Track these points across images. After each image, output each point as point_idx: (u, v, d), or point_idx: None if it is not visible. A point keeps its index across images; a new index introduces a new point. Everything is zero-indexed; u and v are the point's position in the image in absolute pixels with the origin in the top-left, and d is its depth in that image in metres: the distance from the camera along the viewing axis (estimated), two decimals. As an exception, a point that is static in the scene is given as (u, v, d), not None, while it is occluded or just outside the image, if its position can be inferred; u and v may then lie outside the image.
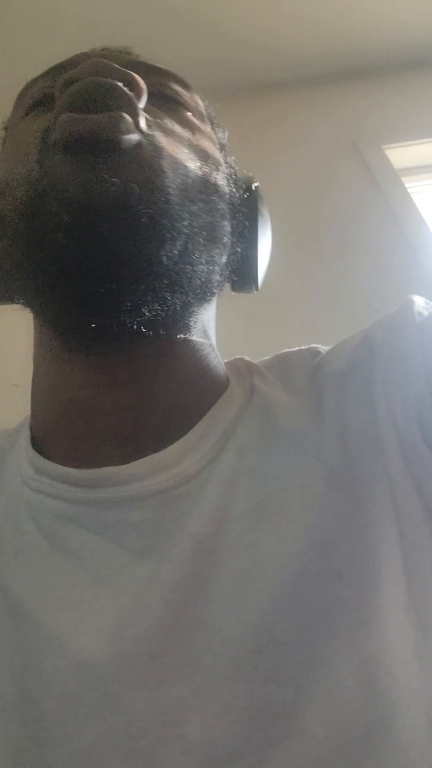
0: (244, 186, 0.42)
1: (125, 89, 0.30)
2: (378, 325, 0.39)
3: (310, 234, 1.30)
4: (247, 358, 0.44)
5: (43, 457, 0.36)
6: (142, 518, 0.32)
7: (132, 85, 0.31)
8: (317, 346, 0.43)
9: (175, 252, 0.29)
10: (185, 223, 0.30)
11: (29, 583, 0.32)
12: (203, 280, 0.33)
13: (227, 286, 0.47)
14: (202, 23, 1.32)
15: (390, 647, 0.28)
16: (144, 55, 0.39)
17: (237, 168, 0.44)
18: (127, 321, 0.31)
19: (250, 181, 0.43)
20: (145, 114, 0.31)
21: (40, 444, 0.37)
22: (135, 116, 0.30)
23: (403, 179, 1.40)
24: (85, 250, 0.28)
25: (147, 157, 0.29)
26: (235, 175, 0.42)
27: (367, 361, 0.36)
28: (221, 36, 1.36)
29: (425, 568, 0.30)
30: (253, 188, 0.43)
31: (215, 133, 0.42)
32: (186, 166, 0.32)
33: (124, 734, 0.27)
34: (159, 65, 0.39)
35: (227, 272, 0.40)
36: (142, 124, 0.30)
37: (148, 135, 0.31)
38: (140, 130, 0.30)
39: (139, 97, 0.31)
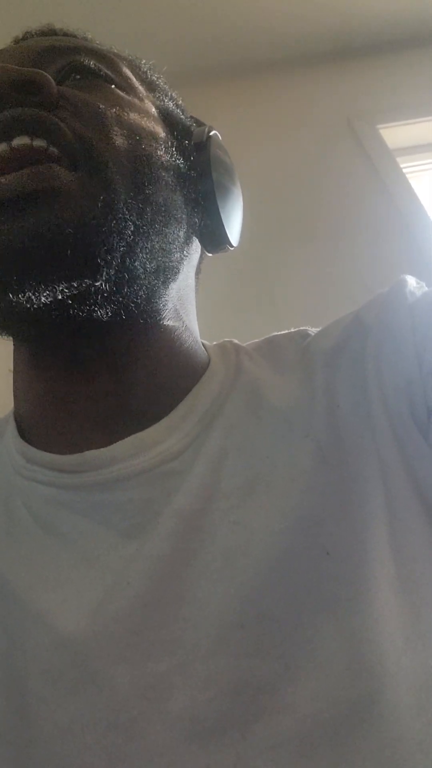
0: (192, 145, 0.39)
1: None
2: (370, 304, 0.38)
3: (305, 214, 1.29)
4: (236, 341, 0.44)
5: (31, 445, 0.36)
6: (128, 498, 0.33)
7: (32, 86, 0.29)
8: (306, 328, 0.43)
9: (111, 272, 0.29)
10: (116, 242, 0.29)
11: (18, 566, 0.33)
12: (157, 267, 0.33)
13: (204, 252, 0.45)
14: (195, 2, 1.29)
15: (376, 624, 0.28)
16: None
17: (188, 123, 0.41)
18: (85, 329, 0.32)
19: (200, 137, 0.40)
20: (57, 126, 0.30)
21: (26, 433, 0.37)
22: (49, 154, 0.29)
23: (398, 159, 1.39)
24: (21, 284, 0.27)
25: (67, 199, 0.28)
26: (181, 137, 0.39)
27: (358, 339, 0.36)
28: (215, 15, 1.34)
29: (415, 548, 0.31)
30: (204, 141, 0.39)
31: (156, 98, 0.40)
32: (115, 181, 0.30)
33: (105, 709, 0.28)
34: (74, 44, 0.36)
35: (192, 242, 0.39)
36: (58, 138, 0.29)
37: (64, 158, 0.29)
38: (58, 148, 0.29)
39: (44, 98, 0.30)
